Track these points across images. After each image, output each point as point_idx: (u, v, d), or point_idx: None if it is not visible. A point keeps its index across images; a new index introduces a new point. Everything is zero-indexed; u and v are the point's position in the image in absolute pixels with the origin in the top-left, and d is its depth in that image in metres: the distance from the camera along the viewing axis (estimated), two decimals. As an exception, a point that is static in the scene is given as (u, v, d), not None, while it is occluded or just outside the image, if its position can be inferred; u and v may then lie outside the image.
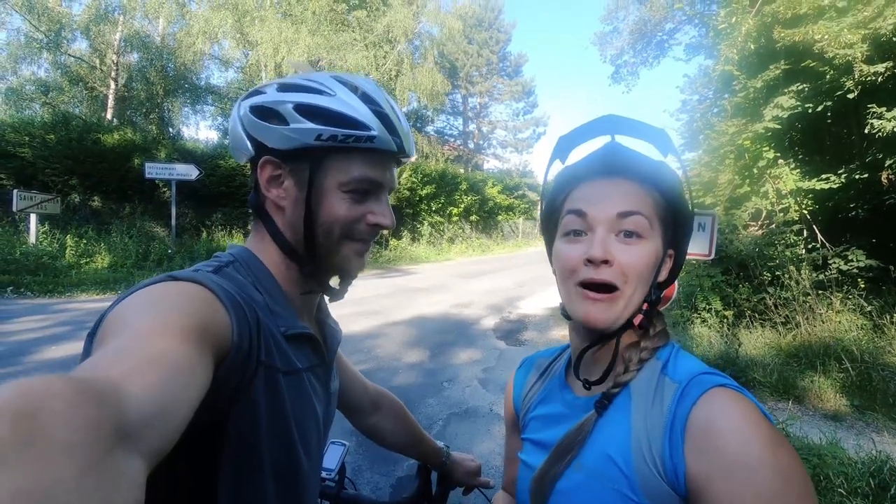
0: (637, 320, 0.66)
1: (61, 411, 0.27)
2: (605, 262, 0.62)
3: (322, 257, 0.70)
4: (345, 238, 0.69)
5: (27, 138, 11.02)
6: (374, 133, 0.65)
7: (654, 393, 0.61)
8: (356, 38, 18.23)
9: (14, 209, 9.22)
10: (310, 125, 0.63)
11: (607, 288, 0.62)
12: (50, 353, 4.71)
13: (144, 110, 19.66)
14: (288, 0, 17.57)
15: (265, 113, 0.65)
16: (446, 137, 34.90)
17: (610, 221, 0.63)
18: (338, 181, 0.67)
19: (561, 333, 6.71)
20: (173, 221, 11.12)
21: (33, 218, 9.37)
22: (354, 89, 0.67)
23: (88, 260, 9.95)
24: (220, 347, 0.51)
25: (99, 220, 11.53)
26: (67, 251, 9.77)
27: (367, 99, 0.67)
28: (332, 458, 1.11)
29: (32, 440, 0.25)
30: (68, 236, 10.04)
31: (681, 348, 0.68)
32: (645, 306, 0.66)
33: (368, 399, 1.06)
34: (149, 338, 0.43)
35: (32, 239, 9.32)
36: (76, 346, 4.87)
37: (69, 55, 18.46)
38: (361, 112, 0.65)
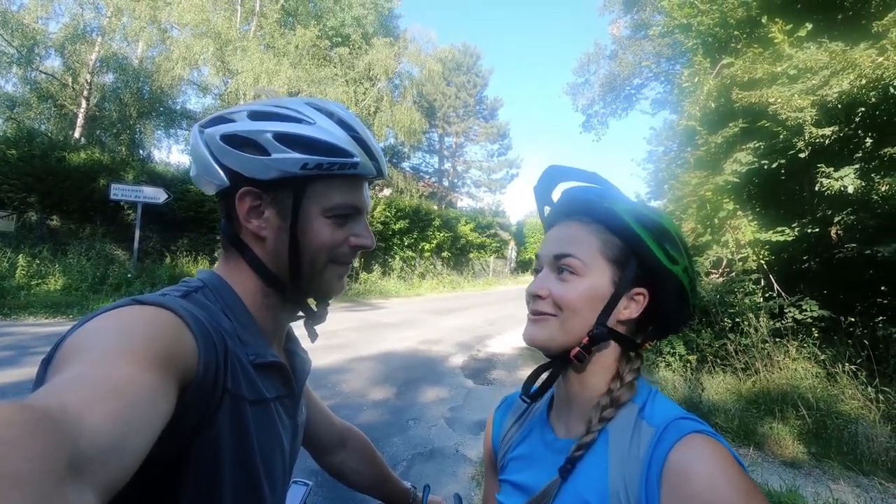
0: (573, 353, 0.67)
1: (14, 441, 0.26)
2: (539, 296, 0.69)
3: (306, 283, 0.70)
4: (329, 262, 0.69)
5: (-14, 152, 10.60)
6: (356, 160, 0.66)
7: (632, 437, 0.62)
8: (337, 73, 18.60)
9: (-37, 225, 8.78)
10: (295, 155, 0.63)
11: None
12: (-13, 380, 4.39)
13: (115, 131, 19.28)
14: (271, 33, 17.86)
15: (240, 142, 0.63)
16: (421, 174, 35.35)
17: (550, 262, 0.71)
18: (321, 207, 0.67)
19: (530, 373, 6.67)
20: (136, 245, 10.73)
21: (-17, 235, 8.92)
22: (330, 115, 0.68)
23: (40, 281, 9.44)
24: (185, 375, 0.49)
25: (56, 241, 11.01)
26: (18, 271, 9.26)
27: (344, 125, 0.67)
28: (293, 498, 1.04)
29: None
30: (20, 256, 9.54)
31: (658, 391, 0.69)
32: (585, 339, 0.67)
33: (335, 436, 1.02)
34: (110, 364, 0.42)
35: (-20, 257, 8.84)
36: (18, 373, 4.57)
37: (41, 71, 18.10)
38: (342, 139, 0.65)
